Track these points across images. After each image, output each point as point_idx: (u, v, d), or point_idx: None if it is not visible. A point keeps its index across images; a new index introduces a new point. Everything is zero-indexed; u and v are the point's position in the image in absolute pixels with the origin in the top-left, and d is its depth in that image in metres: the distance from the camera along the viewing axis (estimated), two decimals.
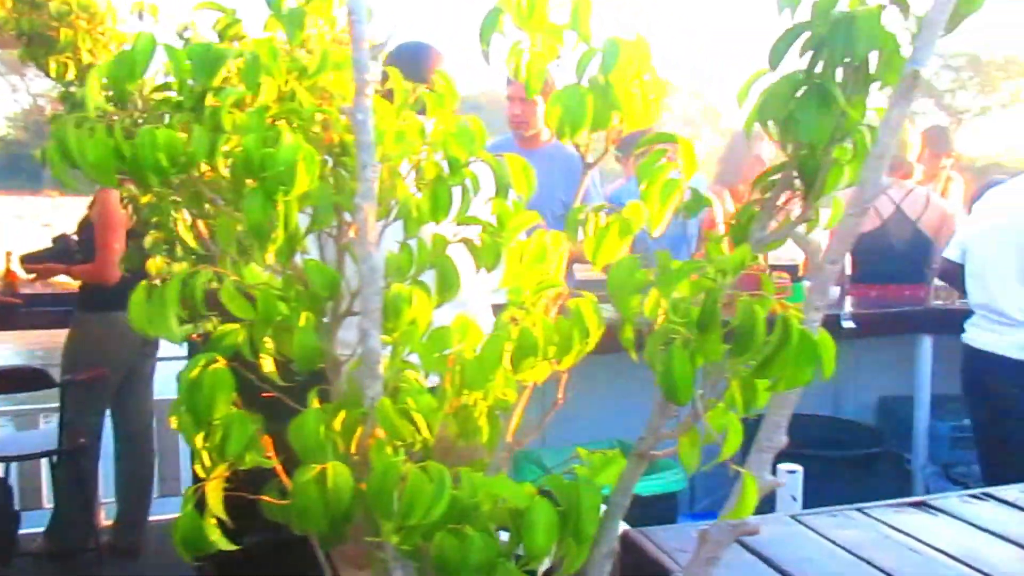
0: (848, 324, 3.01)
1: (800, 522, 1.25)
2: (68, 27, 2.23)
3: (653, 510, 2.63)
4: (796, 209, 0.82)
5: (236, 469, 0.81)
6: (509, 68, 0.90)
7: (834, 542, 1.18)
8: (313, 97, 0.95)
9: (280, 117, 0.89)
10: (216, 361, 0.77)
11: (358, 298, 0.86)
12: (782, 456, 1.95)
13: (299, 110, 0.91)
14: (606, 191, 3.57)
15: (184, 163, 0.78)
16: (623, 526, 1.20)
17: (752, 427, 0.77)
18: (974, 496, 1.38)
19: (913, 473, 3.27)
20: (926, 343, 3.17)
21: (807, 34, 0.71)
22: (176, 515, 0.79)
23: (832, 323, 3.00)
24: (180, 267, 1.10)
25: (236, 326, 0.83)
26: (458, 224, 0.94)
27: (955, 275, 2.64)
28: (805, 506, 1.77)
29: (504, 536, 0.77)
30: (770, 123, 0.75)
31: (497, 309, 0.88)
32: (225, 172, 0.84)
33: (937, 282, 3.26)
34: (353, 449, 0.81)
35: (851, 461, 3.02)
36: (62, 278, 3.22)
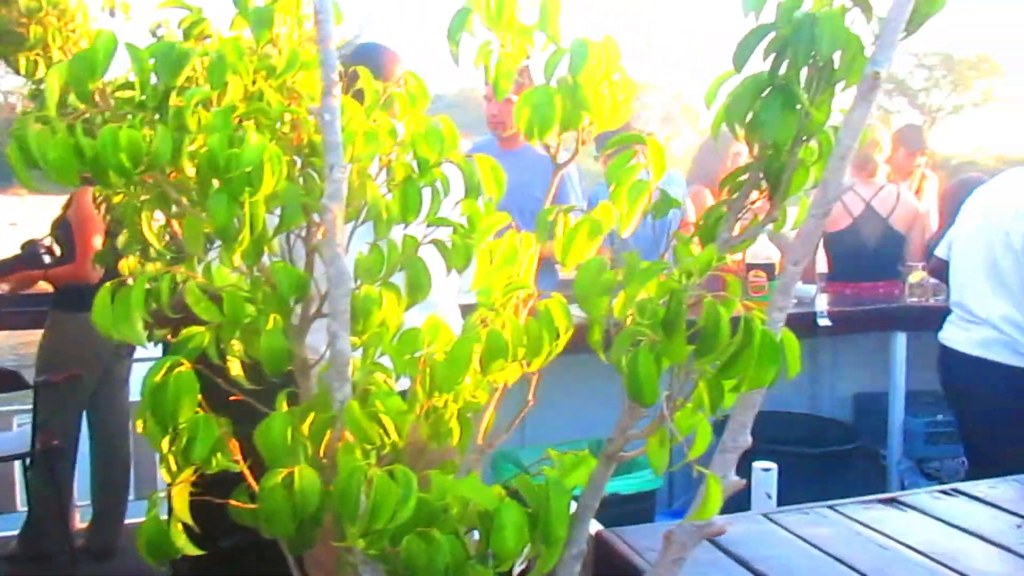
0: (824, 322, 3.03)
1: (771, 520, 1.26)
2: (38, 24, 2.20)
3: (631, 509, 2.64)
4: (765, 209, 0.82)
5: (204, 473, 0.80)
6: (479, 69, 0.90)
7: (805, 539, 1.19)
8: (282, 97, 0.94)
9: (247, 117, 0.89)
10: (181, 364, 0.76)
11: (327, 300, 0.85)
12: (758, 454, 1.97)
13: (267, 110, 0.90)
14: (587, 190, 3.57)
15: (147, 163, 0.77)
16: (596, 526, 1.20)
17: (723, 427, 0.78)
18: (944, 492, 1.39)
19: (888, 469, 3.30)
20: (900, 340, 3.21)
21: (772, 35, 0.71)
22: None
23: (808, 321, 3.03)
24: (154, 267, 1.09)
25: (202, 329, 0.82)
26: (428, 225, 0.94)
27: (943, 272, 2.68)
28: (782, 503, 1.78)
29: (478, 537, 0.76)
30: (737, 124, 0.75)
31: (466, 310, 0.88)
32: (191, 172, 0.83)
33: (911, 279, 3.30)
34: (322, 453, 0.81)
35: (827, 457, 3.05)
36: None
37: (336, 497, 0.69)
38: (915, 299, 3.28)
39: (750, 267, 2.91)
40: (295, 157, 0.92)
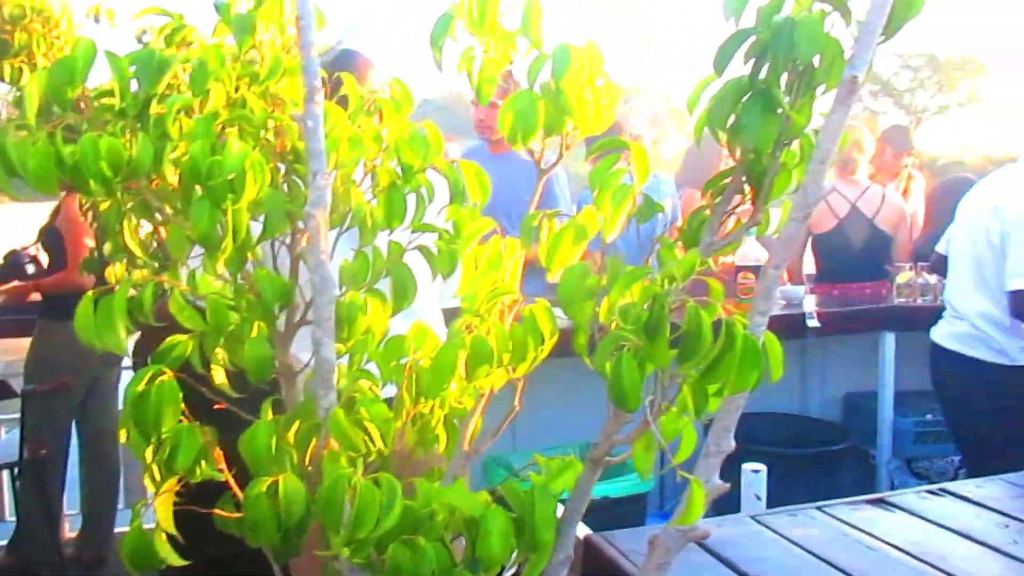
0: (812, 323, 3.04)
1: (759, 522, 1.26)
2: (23, 31, 2.18)
3: (622, 511, 2.64)
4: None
5: (188, 482, 0.79)
6: (462, 74, 0.90)
7: (792, 541, 1.19)
8: (265, 103, 0.94)
9: (230, 124, 0.88)
10: (163, 373, 0.75)
11: (312, 307, 0.85)
12: (748, 455, 1.96)
13: (250, 117, 0.89)
14: (576, 194, 3.58)
15: (128, 171, 0.77)
16: (585, 530, 1.20)
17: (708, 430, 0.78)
18: (931, 492, 1.40)
19: (878, 468, 3.32)
20: (889, 340, 3.22)
21: (752, 39, 0.71)
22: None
23: (797, 322, 3.04)
24: (140, 274, 1.08)
25: (184, 337, 0.82)
26: (413, 231, 0.93)
27: (944, 268, 2.70)
28: (772, 504, 1.78)
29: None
30: (719, 129, 0.75)
31: (450, 316, 0.88)
32: (173, 180, 0.83)
33: (899, 279, 3.32)
34: (307, 461, 0.81)
35: (817, 458, 3.06)
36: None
37: (320, 505, 0.69)
38: (903, 299, 3.30)
39: (739, 269, 2.91)
40: (279, 164, 0.92)
